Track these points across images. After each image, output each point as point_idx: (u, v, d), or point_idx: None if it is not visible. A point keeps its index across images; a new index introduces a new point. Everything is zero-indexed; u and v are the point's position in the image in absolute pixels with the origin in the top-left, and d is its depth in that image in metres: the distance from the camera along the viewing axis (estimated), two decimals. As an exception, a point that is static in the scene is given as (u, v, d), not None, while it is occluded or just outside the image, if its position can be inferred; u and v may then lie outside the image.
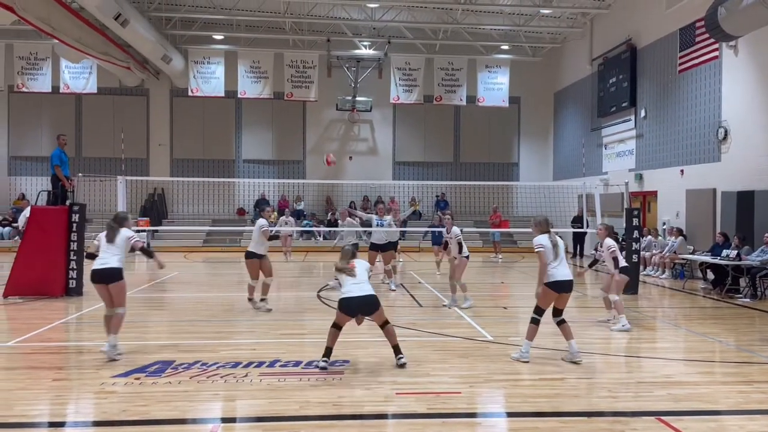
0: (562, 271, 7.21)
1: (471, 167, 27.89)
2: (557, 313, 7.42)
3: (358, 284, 7.09)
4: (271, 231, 11.04)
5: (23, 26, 19.36)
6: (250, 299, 10.75)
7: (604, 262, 10.07)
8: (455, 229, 11.32)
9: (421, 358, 7.49)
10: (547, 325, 9.34)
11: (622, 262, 9.77)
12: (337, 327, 7.05)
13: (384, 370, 6.98)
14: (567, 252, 8.66)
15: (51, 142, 15.18)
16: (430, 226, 19.50)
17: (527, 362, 7.27)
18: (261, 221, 10.82)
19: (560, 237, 7.60)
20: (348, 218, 15.57)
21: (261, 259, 10.66)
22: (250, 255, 10.66)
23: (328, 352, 6.96)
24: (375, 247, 13.37)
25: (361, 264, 7.40)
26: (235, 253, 15.58)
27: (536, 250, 7.28)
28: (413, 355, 7.63)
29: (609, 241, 9.73)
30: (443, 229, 12.34)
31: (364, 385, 6.41)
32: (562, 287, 7.23)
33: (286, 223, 20.31)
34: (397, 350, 7.14)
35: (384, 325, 7.19)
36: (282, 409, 5.69)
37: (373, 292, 7.13)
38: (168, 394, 6.06)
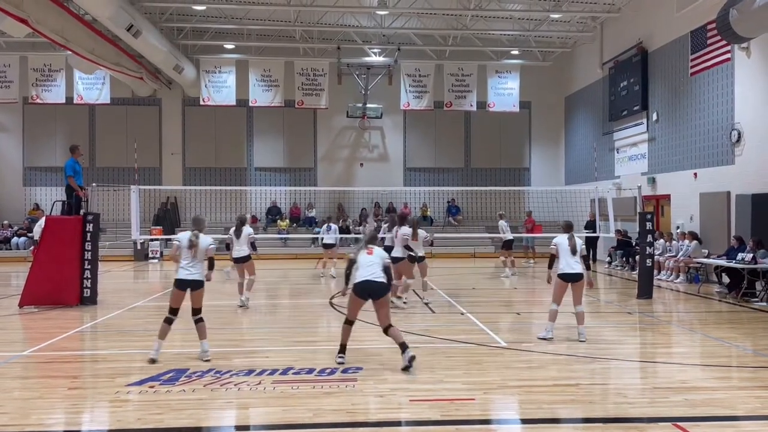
0: None
1: (482, 173, 27.82)
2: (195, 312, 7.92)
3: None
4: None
5: (37, 38, 19.61)
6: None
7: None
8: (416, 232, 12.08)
9: (434, 365, 7.47)
10: (560, 330, 9.30)
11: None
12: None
13: (397, 377, 6.96)
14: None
15: (65, 152, 15.31)
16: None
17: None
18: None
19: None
20: None
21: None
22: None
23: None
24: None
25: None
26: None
27: None
28: (426, 361, 7.61)
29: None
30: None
31: (378, 392, 6.40)
32: None
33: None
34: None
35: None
36: (296, 417, 5.70)
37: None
38: (182, 402, 6.08)
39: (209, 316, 11.12)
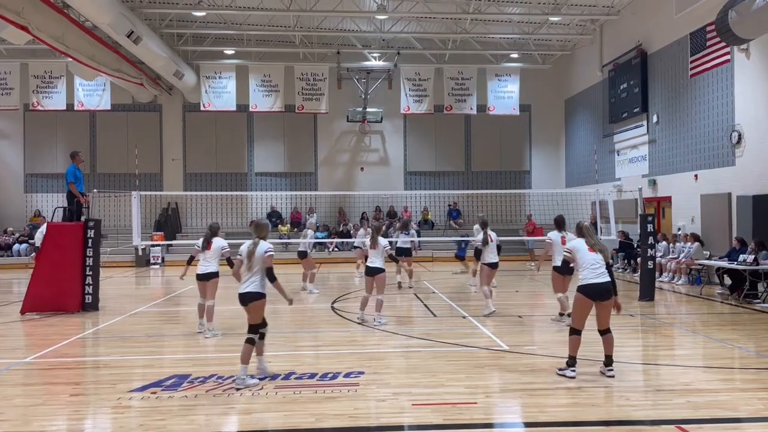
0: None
1: (483, 176, 27.84)
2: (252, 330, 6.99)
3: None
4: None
5: (38, 45, 19.68)
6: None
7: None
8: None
9: (436, 369, 7.46)
10: (563, 334, 9.29)
11: None
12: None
13: (399, 381, 6.96)
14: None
15: (66, 159, 15.31)
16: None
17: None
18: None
19: None
20: None
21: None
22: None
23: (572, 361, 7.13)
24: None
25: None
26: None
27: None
28: (429, 365, 7.61)
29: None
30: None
31: (380, 397, 6.39)
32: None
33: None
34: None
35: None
36: (298, 422, 5.69)
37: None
38: (184, 408, 6.08)
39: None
